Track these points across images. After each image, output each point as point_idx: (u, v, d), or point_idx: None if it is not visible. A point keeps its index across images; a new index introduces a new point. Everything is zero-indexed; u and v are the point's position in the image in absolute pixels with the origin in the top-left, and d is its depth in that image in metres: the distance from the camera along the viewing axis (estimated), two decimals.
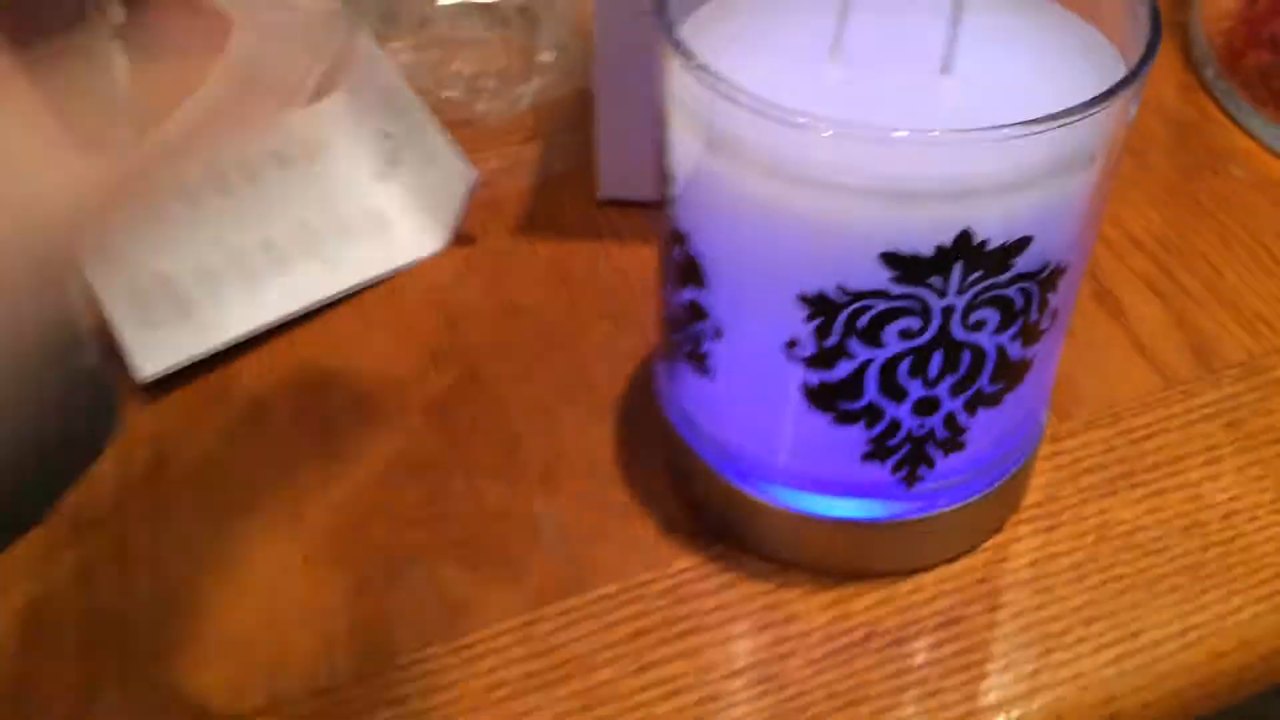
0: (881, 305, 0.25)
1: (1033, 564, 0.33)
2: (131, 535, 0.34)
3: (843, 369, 0.27)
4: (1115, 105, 0.24)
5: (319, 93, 0.46)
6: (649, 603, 0.32)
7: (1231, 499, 0.34)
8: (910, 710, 0.29)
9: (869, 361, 0.27)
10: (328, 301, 0.40)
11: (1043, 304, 0.27)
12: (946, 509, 0.31)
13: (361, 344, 0.39)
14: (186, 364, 0.37)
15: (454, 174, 0.41)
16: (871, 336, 0.26)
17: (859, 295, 0.25)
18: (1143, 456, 0.35)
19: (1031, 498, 0.34)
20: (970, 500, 0.31)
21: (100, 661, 0.31)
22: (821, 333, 0.26)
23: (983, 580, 0.32)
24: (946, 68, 0.26)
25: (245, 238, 0.40)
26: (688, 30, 0.27)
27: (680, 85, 0.25)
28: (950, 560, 0.33)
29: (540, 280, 0.41)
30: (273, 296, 0.39)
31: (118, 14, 0.52)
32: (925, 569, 0.32)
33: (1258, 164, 0.45)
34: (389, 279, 0.41)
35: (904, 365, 0.27)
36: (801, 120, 0.23)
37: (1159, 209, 0.44)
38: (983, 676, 0.30)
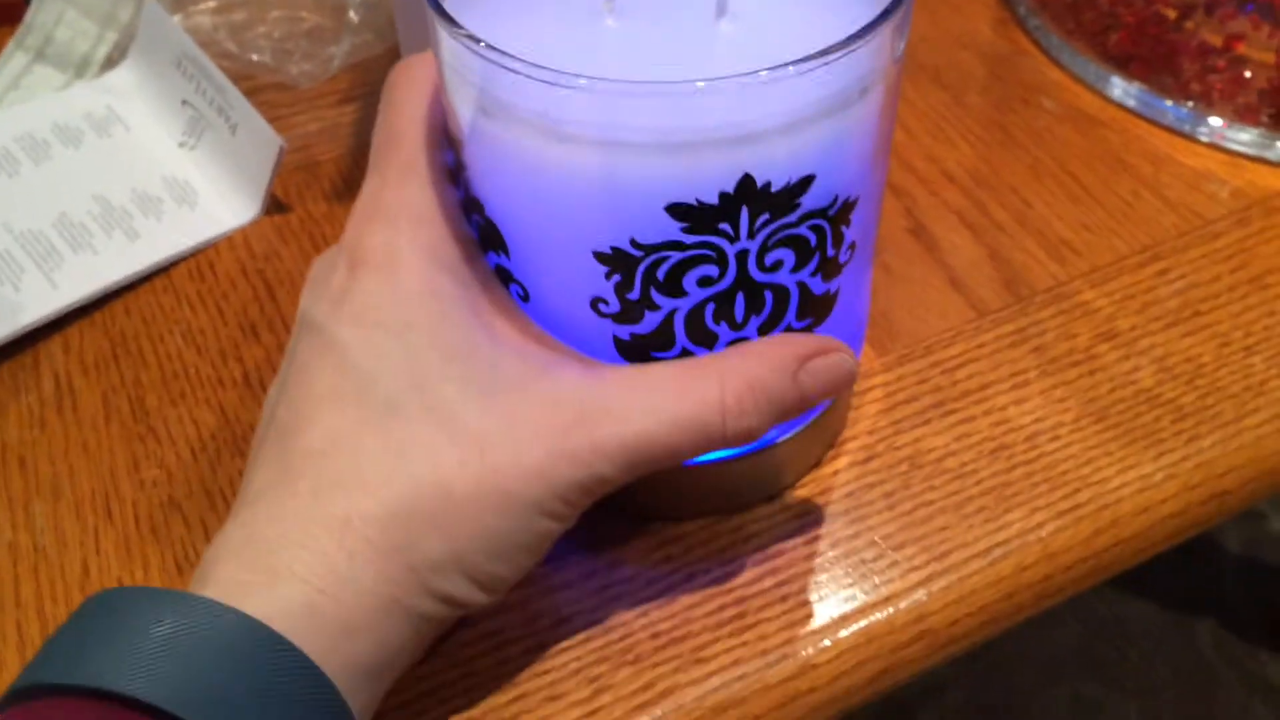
0: (676, 256, 0.26)
1: (849, 495, 0.33)
2: None
3: (650, 321, 0.27)
4: (879, 38, 0.24)
5: (110, 64, 0.44)
6: None
7: (1036, 420, 0.35)
8: (731, 643, 0.30)
9: (674, 311, 0.27)
10: (134, 278, 0.39)
11: (838, 238, 0.27)
12: (766, 447, 0.32)
13: (174, 319, 0.38)
14: None
15: (261, 141, 0.39)
16: (672, 287, 0.26)
17: (652, 248, 0.25)
18: (954, 385, 0.36)
19: (849, 432, 0.35)
20: (788, 436, 0.32)
21: None
22: (623, 288, 0.26)
23: (801, 514, 0.33)
24: (721, 12, 0.26)
25: (37, 218, 0.38)
26: None
27: (451, 53, 0.25)
28: (771, 498, 0.33)
29: None
30: (74, 276, 0.38)
31: None
32: (747, 508, 0.33)
33: (1068, 95, 0.47)
34: (200, 251, 0.40)
35: (708, 311, 0.27)
36: (568, 81, 0.23)
37: (972, 144, 0.45)
38: (800, 606, 0.31)
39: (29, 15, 0.48)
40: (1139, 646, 0.94)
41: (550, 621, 0.31)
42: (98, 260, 0.38)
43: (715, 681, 0.30)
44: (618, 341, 0.28)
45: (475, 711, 0.29)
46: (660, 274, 0.26)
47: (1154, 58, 0.45)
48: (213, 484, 0.34)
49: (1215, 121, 0.44)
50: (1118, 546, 0.33)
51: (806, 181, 0.25)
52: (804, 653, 0.30)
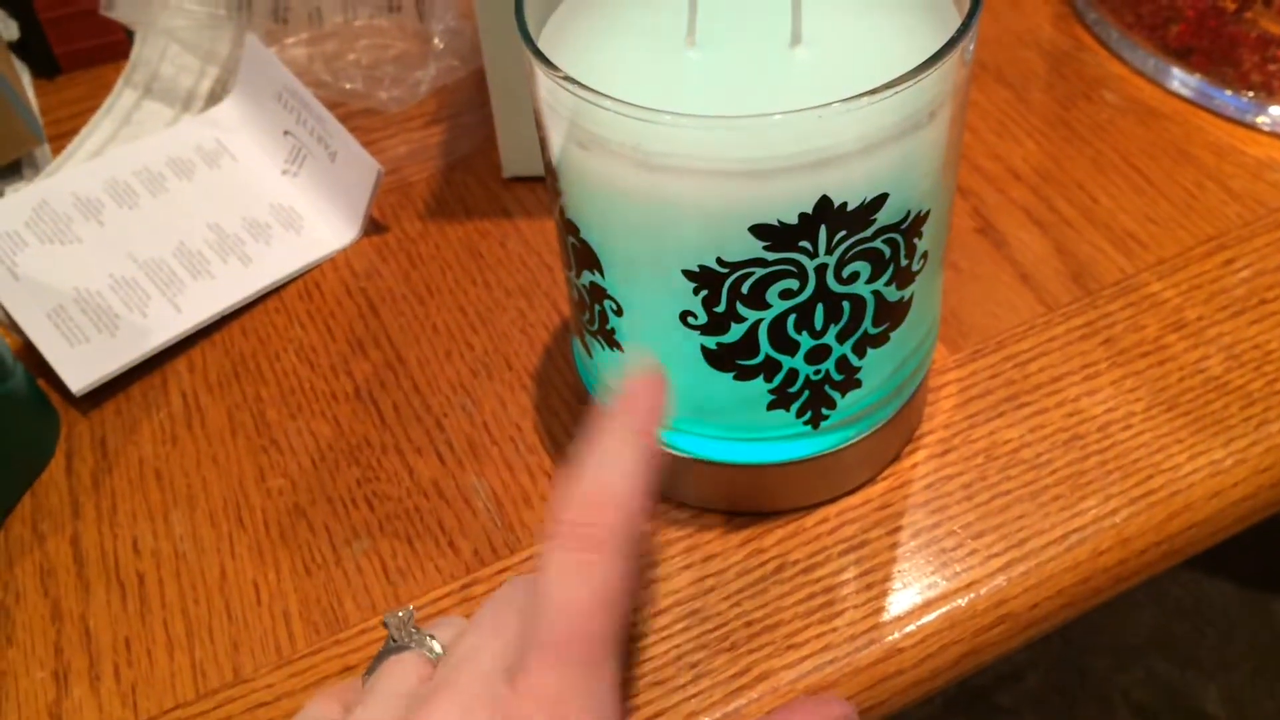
0: (760, 272, 0.28)
1: (928, 487, 0.35)
2: (85, 538, 0.36)
3: (735, 331, 0.29)
4: (947, 64, 0.26)
5: (213, 97, 0.47)
6: None
7: (1108, 410, 0.37)
8: (820, 630, 0.32)
9: (758, 322, 0.29)
10: (249, 300, 0.42)
11: (910, 249, 0.29)
12: (847, 445, 0.34)
13: (286, 338, 0.41)
14: (117, 374, 0.39)
15: (359, 166, 0.42)
16: (756, 300, 0.28)
17: (738, 265, 0.27)
18: (1026, 379, 0.38)
19: (925, 426, 0.37)
20: (868, 434, 0.34)
21: (68, 657, 0.33)
22: (710, 302, 0.28)
23: (882, 507, 0.35)
24: (796, 40, 0.28)
25: (158, 247, 0.41)
26: (551, 28, 0.29)
27: (547, 91, 0.27)
28: (853, 491, 0.35)
29: (453, 262, 0.43)
30: (195, 300, 0.40)
31: (12, 29, 0.53)
32: (831, 501, 0.35)
33: (1128, 88, 0.48)
34: (307, 273, 0.43)
35: (790, 321, 0.29)
36: (656, 117, 0.25)
37: (1037, 140, 0.46)
38: (884, 594, 0.33)
39: (134, 52, 0.51)
40: (1215, 626, 0.94)
41: (651, 613, 0.33)
42: (215, 285, 0.41)
43: (807, 665, 0.31)
44: (705, 351, 0.30)
45: None
46: (745, 288, 0.28)
47: (1214, 49, 0.46)
48: (333, 491, 0.36)
49: (1276, 111, 0.44)
50: (1191, 530, 0.34)
51: (881, 199, 0.27)
52: (890, 637, 0.32)
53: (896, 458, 0.36)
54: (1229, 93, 0.45)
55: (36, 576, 0.35)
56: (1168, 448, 0.35)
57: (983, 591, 0.33)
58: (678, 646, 0.32)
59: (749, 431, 0.32)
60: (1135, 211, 0.43)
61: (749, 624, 0.32)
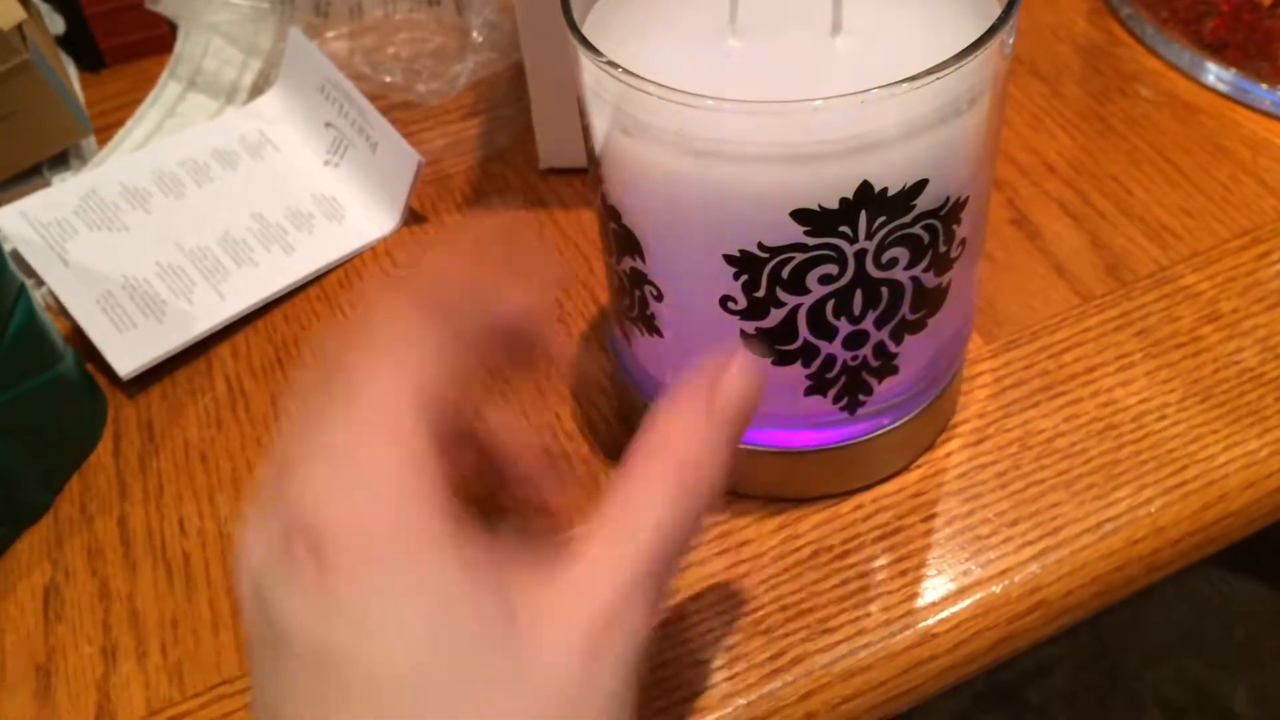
0: (800, 257, 0.28)
1: (961, 475, 0.35)
2: (132, 518, 0.37)
3: (775, 316, 0.29)
4: (987, 51, 0.26)
5: (256, 90, 0.47)
6: None
7: (1142, 401, 0.37)
8: (854, 615, 0.32)
9: (798, 307, 0.29)
10: (292, 288, 0.42)
11: (949, 235, 0.29)
12: (883, 432, 0.34)
13: (328, 326, 0.42)
14: (163, 359, 0.40)
15: (399, 157, 0.43)
16: (796, 285, 0.29)
17: (778, 250, 0.28)
18: (1061, 369, 0.38)
19: (960, 416, 0.37)
20: (903, 422, 0.34)
21: (116, 635, 0.34)
22: (750, 287, 0.29)
23: (916, 494, 0.35)
24: (837, 28, 0.29)
25: (203, 235, 0.42)
26: (592, 20, 0.30)
27: (591, 78, 0.27)
28: (888, 479, 0.36)
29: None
30: (239, 288, 0.41)
31: (58, 24, 0.54)
32: (866, 488, 0.35)
33: (1163, 82, 0.48)
34: (348, 261, 0.44)
35: (829, 307, 0.29)
36: (700, 103, 0.25)
37: (1071, 134, 0.46)
38: (919, 580, 0.33)
39: (178, 45, 0.52)
40: (1245, 625, 0.93)
41: (687, 596, 0.33)
42: (259, 272, 0.42)
43: (842, 650, 0.32)
44: (744, 335, 0.30)
45: None
46: (784, 274, 0.28)
47: (1249, 44, 0.46)
48: None
49: None
50: (1225, 520, 0.34)
51: (920, 185, 0.27)
52: (925, 623, 0.32)
53: (931, 446, 0.36)
54: (1264, 87, 0.45)
55: (85, 556, 0.36)
56: (1203, 438, 0.36)
57: (1016, 579, 0.33)
58: (713, 630, 0.33)
59: (786, 417, 0.33)
60: (1170, 204, 0.43)
61: (784, 608, 0.33)
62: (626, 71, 0.26)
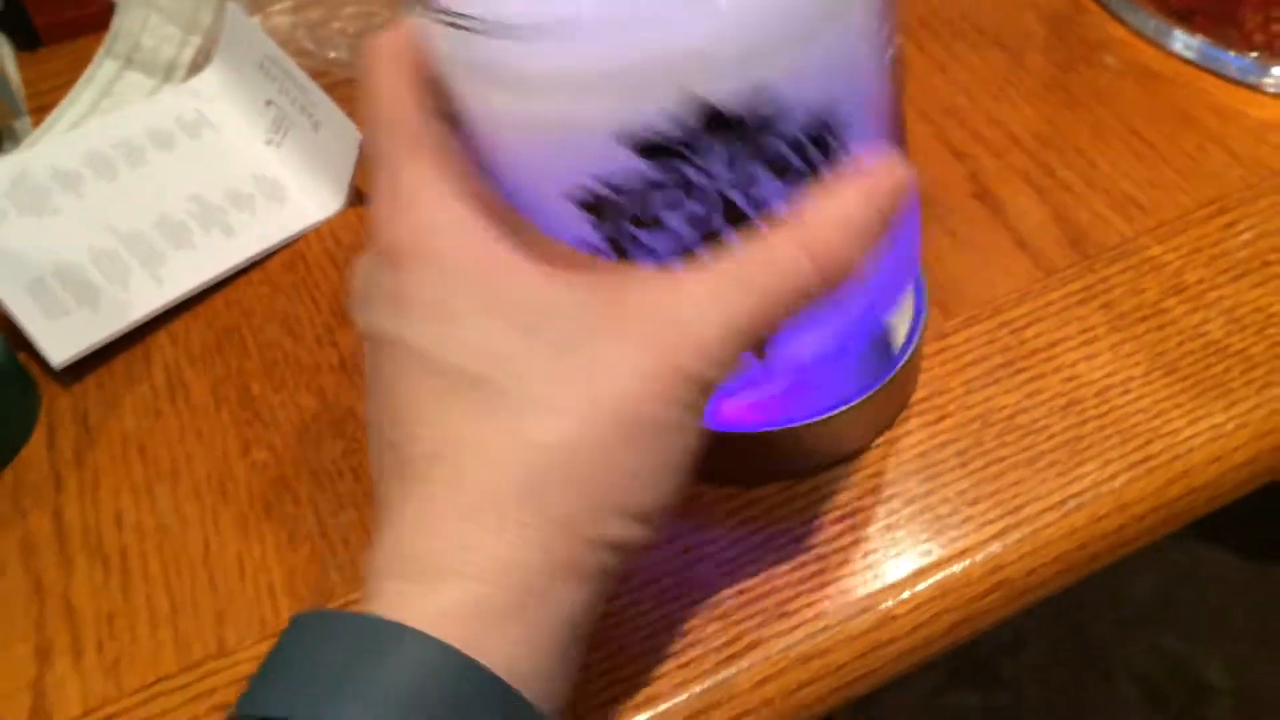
0: (654, 195, 0.24)
1: (921, 454, 0.35)
2: (68, 512, 0.35)
3: (643, 264, 0.26)
4: None
5: (195, 67, 0.46)
6: None
7: (1106, 375, 0.36)
8: (813, 598, 0.32)
9: (667, 251, 0.26)
10: (232, 271, 0.41)
11: (837, 161, 0.25)
12: (840, 411, 0.33)
13: (270, 309, 0.40)
14: (99, 346, 0.38)
15: (343, 135, 0.41)
16: (655, 225, 0.25)
17: (624, 189, 0.24)
18: (1022, 344, 0.37)
19: (920, 393, 0.36)
20: (860, 400, 0.33)
21: (50, 633, 0.33)
22: (608, 231, 0.25)
23: (875, 474, 0.34)
24: None
25: (139, 219, 0.41)
26: None
27: (408, 15, 0.25)
28: (846, 459, 0.35)
29: None
30: (177, 272, 0.40)
31: None
32: (824, 469, 0.34)
33: (1130, 52, 0.47)
34: (291, 243, 0.42)
35: (703, 252, 0.25)
36: (503, 31, 0.22)
37: (1035, 105, 0.45)
38: (878, 561, 0.32)
39: (114, 22, 0.50)
40: (1217, 594, 0.93)
41: (640, 581, 0.32)
42: (198, 256, 0.40)
43: (800, 634, 0.31)
44: None
45: None
46: (640, 213, 0.25)
47: (1216, 10, 0.45)
48: (318, 463, 0.36)
49: (1279, 72, 0.44)
50: (1190, 495, 0.34)
51: (777, 107, 0.24)
52: (884, 605, 0.31)
53: (890, 425, 0.35)
54: (1232, 54, 0.45)
55: (18, 552, 0.35)
56: (1167, 412, 0.35)
57: (977, 558, 0.32)
58: (667, 616, 0.32)
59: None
60: (1135, 176, 0.42)
61: (741, 592, 0.32)
62: (425, 5, 0.23)
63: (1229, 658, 0.90)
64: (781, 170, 0.25)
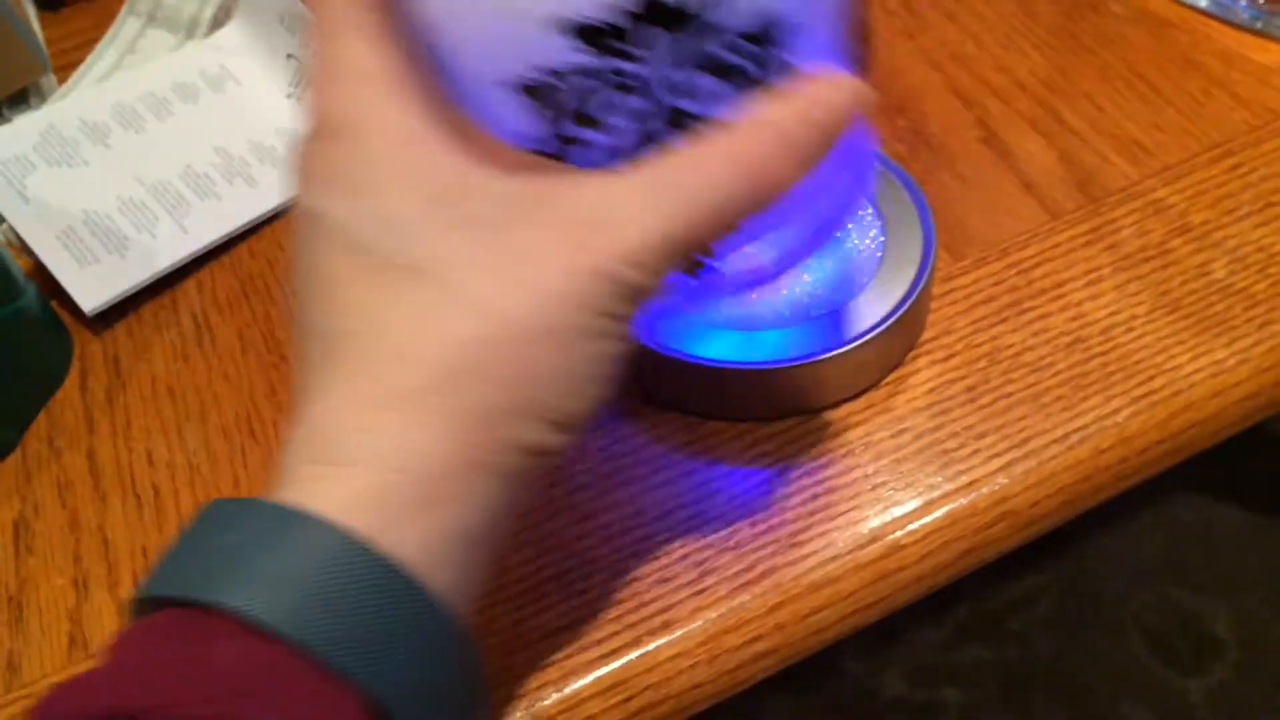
0: (594, 88, 0.24)
1: (930, 391, 0.35)
2: (101, 452, 0.37)
3: (583, 160, 0.25)
4: None
5: (217, 24, 0.47)
6: (588, 462, 0.35)
7: (1111, 314, 0.37)
8: (825, 528, 0.33)
9: (606, 147, 0.25)
10: (257, 222, 0.42)
11: (783, 67, 0.25)
12: (851, 348, 0.34)
13: None
14: (129, 294, 0.39)
15: None
16: (598, 125, 0.25)
17: (563, 75, 0.23)
18: (1030, 284, 0.38)
19: (929, 333, 0.37)
20: (870, 338, 0.34)
21: (87, 566, 0.34)
22: (548, 126, 0.25)
23: (885, 410, 0.35)
24: None
25: (165, 170, 0.42)
26: None
27: None
28: (857, 396, 0.36)
29: None
30: (202, 222, 0.41)
31: None
32: (835, 405, 0.35)
33: None
34: None
35: (642, 155, 0.25)
36: None
37: (1044, 51, 0.46)
38: (888, 493, 0.33)
39: None
40: (1225, 550, 0.94)
41: (656, 514, 0.33)
42: (223, 206, 0.41)
43: (811, 562, 0.32)
44: None
45: (593, 594, 0.32)
46: (579, 107, 0.24)
47: None
48: None
49: None
50: (1192, 429, 0.35)
51: None
52: (892, 535, 0.32)
53: (900, 363, 0.36)
54: (1238, 0, 0.45)
55: (54, 489, 0.36)
56: (1170, 349, 0.36)
57: (984, 490, 0.33)
58: (683, 546, 0.33)
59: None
60: (1142, 120, 0.43)
61: (754, 524, 0.33)
62: None
63: (1236, 611, 0.91)
64: (723, 71, 0.24)
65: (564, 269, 0.23)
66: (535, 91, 0.24)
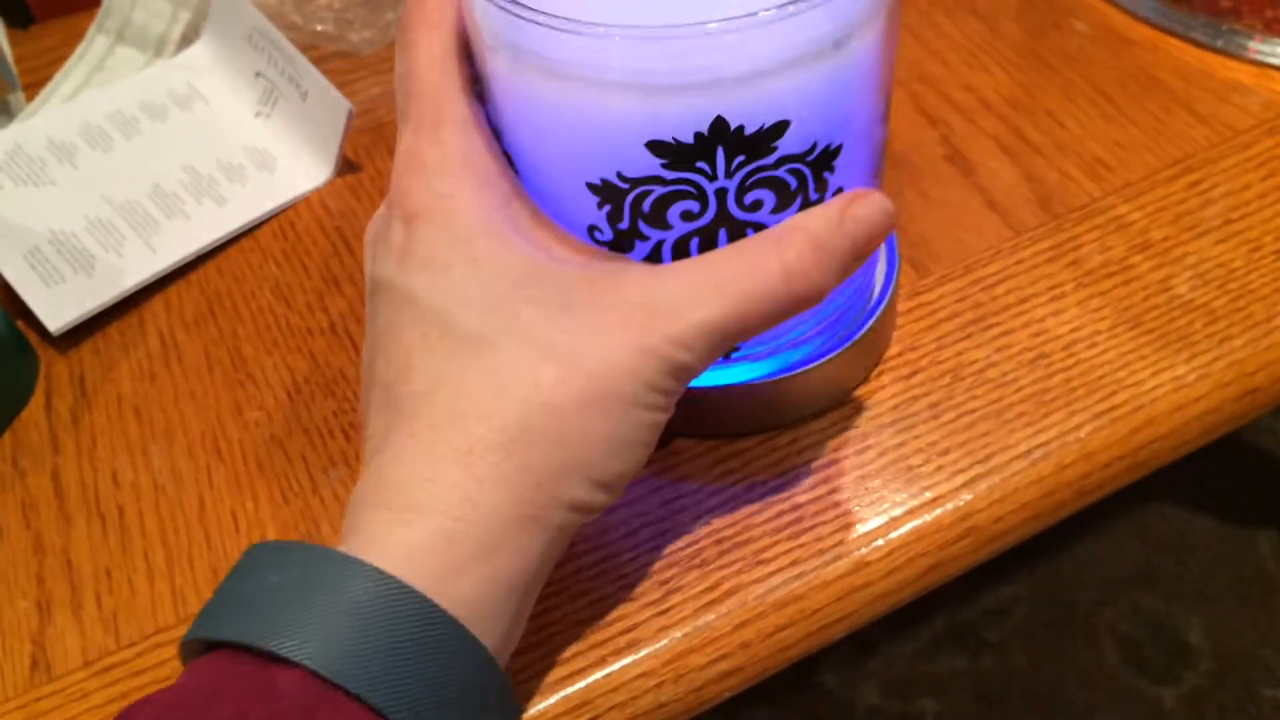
0: (659, 190, 0.27)
1: (895, 408, 0.36)
2: (66, 473, 0.36)
3: (640, 250, 0.29)
4: None
5: (185, 42, 0.47)
6: None
7: (1073, 330, 0.37)
8: (789, 545, 0.33)
9: (661, 242, 0.29)
10: (224, 240, 0.42)
11: (820, 183, 0.29)
12: (815, 366, 0.34)
13: (262, 276, 0.41)
14: (95, 313, 0.39)
15: (330, 106, 0.42)
16: (657, 219, 0.28)
17: (636, 182, 0.27)
18: (993, 301, 0.38)
19: (893, 349, 0.37)
20: (835, 355, 0.34)
21: (50, 588, 0.34)
22: (613, 218, 0.28)
23: (850, 427, 0.35)
24: None
25: (133, 189, 0.42)
26: None
27: (471, 2, 0.27)
28: (822, 413, 0.36)
29: None
30: (170, 241, 0.41)
31: None
32: (800, 423, 0.36)
33: (1099, 16, 0.48)
34: (282, 212, 0.43)
35: (693, 245, 0.29)
36: (557, 24, 0.24)
37: (1008, 70, 0.46)
38: (853, 510, 0.33)
39: None
40: (1199, 559, 0.95)
41: (621, 533, 0.34)
42: (191, 225, 0.41)
43: (776, 580, 0.32)
44: None
45: (556, 615, 0.32)
46: (645, 206, 0.28)
47: None
48: (309, 422, 0.37)
49: (1245, 35, 0.45)
50: (1154, 444, 0.35)
51: (781, 127, 0.27)
52: (858, 552, 0.33)
53: (865, 380, 0.36)
54: (1198, 18, 0.46)
55: (18, 511, 0.36)
56: (1131, 364, 0.36)
57: (948, 506, 0.33)
58: (648, 564, 0.33)
59: None
60: (1104, 137, 0.43)
61: (719, 541, 0.33)
62: None
63: (1209, 619, 0.92)
64: (775, 185, 0.28)
65: (623, 346, 0.26)
66: (608, 192, 0.28)
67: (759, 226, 0.29)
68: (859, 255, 0.28)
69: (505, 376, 0.26)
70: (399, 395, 0.27)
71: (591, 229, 0.29)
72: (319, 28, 0.47)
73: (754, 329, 0.27)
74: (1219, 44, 0.45)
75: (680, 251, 0.29)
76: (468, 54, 0.29)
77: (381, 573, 0.24)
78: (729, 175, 0.27)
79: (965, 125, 0.44)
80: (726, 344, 0.27)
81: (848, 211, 0.27)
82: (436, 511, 0.25)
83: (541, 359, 0.26)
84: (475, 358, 0.26)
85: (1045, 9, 0.49)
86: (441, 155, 0.28)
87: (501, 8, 0.25)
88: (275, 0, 0.48)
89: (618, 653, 0.31)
